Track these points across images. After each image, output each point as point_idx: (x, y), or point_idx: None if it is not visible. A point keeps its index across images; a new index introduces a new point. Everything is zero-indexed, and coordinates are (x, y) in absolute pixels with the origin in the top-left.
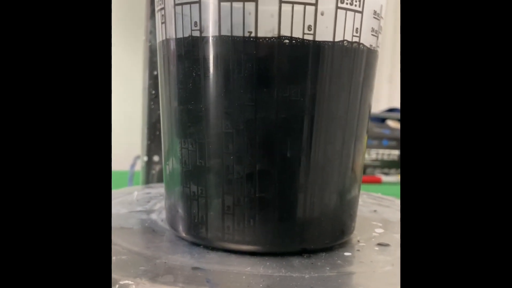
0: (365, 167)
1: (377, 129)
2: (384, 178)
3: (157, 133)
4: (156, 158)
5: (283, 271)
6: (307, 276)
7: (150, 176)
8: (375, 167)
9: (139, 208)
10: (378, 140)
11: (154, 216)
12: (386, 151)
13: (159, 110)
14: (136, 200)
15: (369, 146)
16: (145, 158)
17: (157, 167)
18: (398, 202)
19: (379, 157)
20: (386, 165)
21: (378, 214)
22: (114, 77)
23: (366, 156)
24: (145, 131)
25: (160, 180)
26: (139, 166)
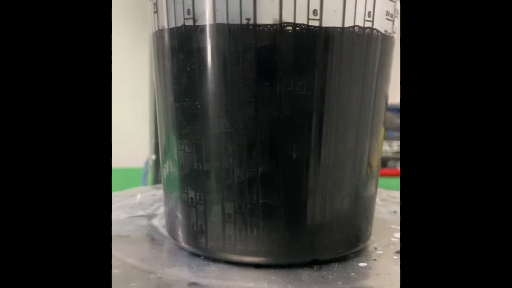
0: (387, 160)
1: (399, 120)
2: None
3: None
4: None
5: (289, 286)
6: None
7: (159, 175)
8: (397, 159)
9: (141, 213)
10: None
11: (155, 221)
12: None
13: None
14: (139, 204)
15: (391, 138)
16: (153, 157)
17: None
18: None
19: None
20: None
21: (398, 215)
22: (126, 73)
23: (388, 148)
24: (153, 128)
25: None
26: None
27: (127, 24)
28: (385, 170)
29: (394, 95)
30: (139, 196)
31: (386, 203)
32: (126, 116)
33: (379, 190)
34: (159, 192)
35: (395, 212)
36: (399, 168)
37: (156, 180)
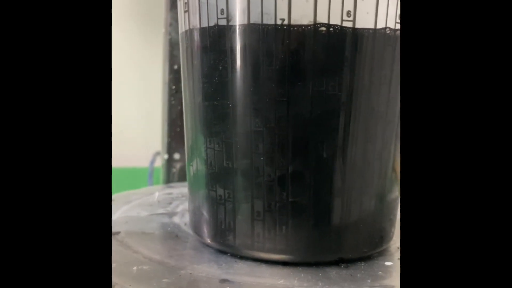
0: None
1: None
2: None
3: (178, 130)
4: (177, 156)
5: (320, 284)
6: None
7: (171, 174)
8: None
9: (161, 211)
10: None
11: (176, 219)
12: None
13: (179, 106)
14: (157, 202)
15: None
16: (166, 156)
17: (178, 165)
18: None
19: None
20: None
21: None
22: (133, 72)
23: None
24: (165, 128)
25: (181, 179)
26: (159, 163)
27: (139, 23)
28: None
29: None
30: (157, 194)
31: None
32: (134, 116)
33: None
34: (175, 191)
35: None
36: None
37: (168, 179)
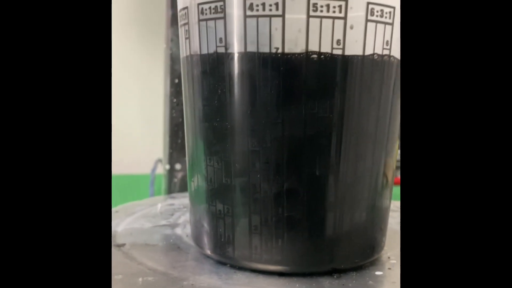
0: None
1: None
2: None
3: (179, 141)
4: (178, 166)
5: None
6: None
7: (172, 184)
8: (397, 168)
9: (163, 222)
10: None
11: (178, 230)
12: None
13: (180, 118)
14: (160, 213)
15: None
16: (167, 167)
17: (179, 175)
18: None
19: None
20: None
21: None
22: (135, 82)
23: None
24: (167, 139)
25: (182, 188)
26: (160, 169)
27: (140, 38)
28: None
29: None
30: (159, 205)
31: (395, 214)
32: (137, 124)
33: None
34: (176, 202)
35: None
36: (399, 176)
37: (170, 189)
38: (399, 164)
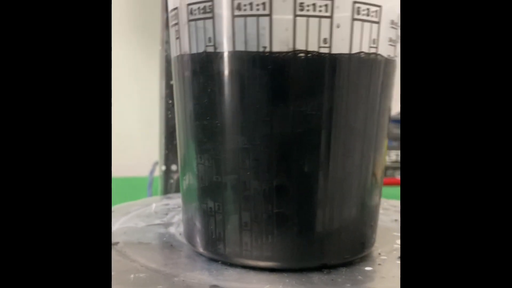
0: (386, 169)
1: (397, 130)
2: None
3: (174, 142)
4: (174, 167)
5: None
6: None
7: (168, 185)
8: (395, 168)
9: (157, 221)
10: (398, 142)
11: (172, 229)
12: None
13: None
14: (155, 213)
15: (390, 148)
16: (163, 168)
17: (175, 176)
18: None
19: (399, 158)
20: None
21: (399, 223)
22: (131, 84)
23: (386, 157)
24: (163, 140)
25: (178, 189)
26: (158, 172)
27: (136, 39)
28: (385, 179)
29: (395, 106)
30: (154, 205)
31: (388, 212)
32: (134, 127)
33: (381, 200)
34: (171, 202)
35: (396, 220)
36: (397, 176)
37: (166, 190)
38: (396, 164)
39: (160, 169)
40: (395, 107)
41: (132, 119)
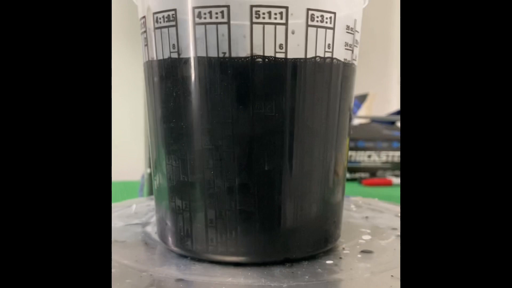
0: (376, 170)
1: (386, 131)
2: (395, 180)
3: None
4: None
5: (263, 280)
6: (285, 285)
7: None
8: (385, 169)
9: (136, 221)
10: (388, 142)
11: (149, 228)
12: (396, 153)
13: None
14: (135, 213)
15: (379, 149)
16: (148, 170)
17: None
18: (393, 207)
19: (389, 159)
20: (396, 167)
21: (369, 220)
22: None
23: (377, 158)
24: (147, 144)
25: None
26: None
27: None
28: (375, 180)
29: (380, 109)
30: (134, 206)
31: (360, 209)
32: (125, 133)
33: (357, 197)
34: (153, 203)
35: (366, 217)
36: (387, 177)
37: (151, 192)
38: (386, 165)
39: (145, 172)
40: (382, 109)
41: (125, 124)
